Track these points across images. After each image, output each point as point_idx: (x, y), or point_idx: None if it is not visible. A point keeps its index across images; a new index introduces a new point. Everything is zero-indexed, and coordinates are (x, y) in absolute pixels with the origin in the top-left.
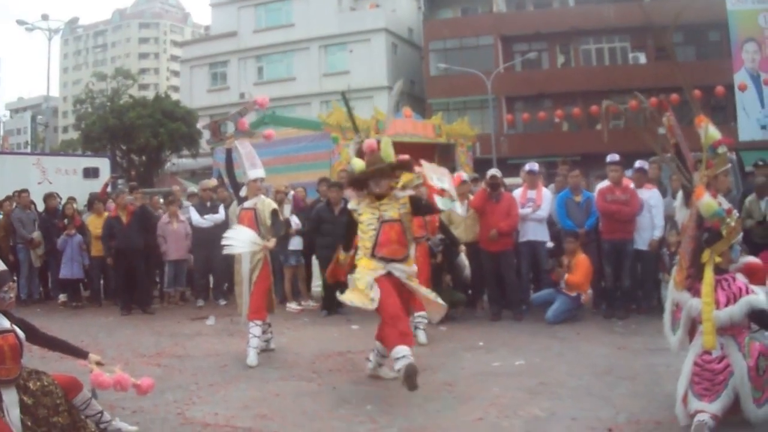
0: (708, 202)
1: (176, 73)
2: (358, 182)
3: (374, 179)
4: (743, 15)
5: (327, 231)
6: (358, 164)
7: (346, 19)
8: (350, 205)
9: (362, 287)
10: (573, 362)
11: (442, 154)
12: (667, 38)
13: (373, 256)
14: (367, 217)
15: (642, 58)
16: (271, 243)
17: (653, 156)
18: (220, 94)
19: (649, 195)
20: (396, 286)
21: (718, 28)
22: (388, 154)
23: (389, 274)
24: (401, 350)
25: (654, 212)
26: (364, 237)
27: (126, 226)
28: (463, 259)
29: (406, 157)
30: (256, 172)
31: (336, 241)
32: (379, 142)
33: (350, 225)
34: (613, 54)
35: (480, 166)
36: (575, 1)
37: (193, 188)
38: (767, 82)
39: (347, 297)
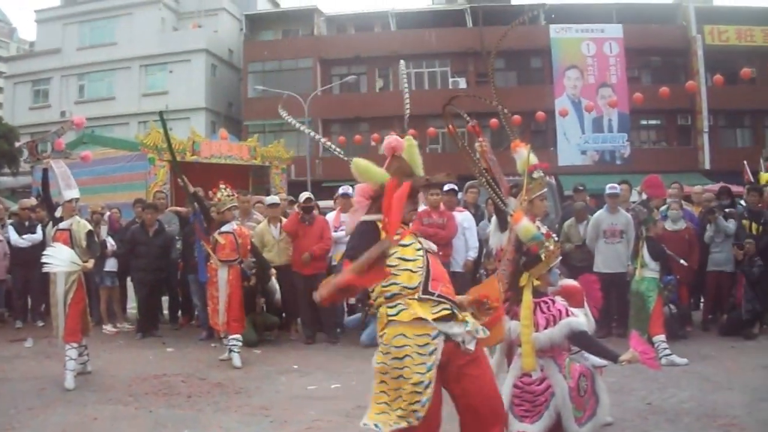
0: (526, 226)
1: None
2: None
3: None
4: (566, 43)
5: (142, 253)
6: (372, 170)
7: (168, 39)
8: (367, 217)
9: (410, 390)
10: None
11: (257, 176)
12: (488, 64)
13: (427, 293)
14: (410, 240)
15: (462, 83)
16: (90, 264)
17: (470, 180)
18: (41, 111)
19: (462, 217)
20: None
21: (541, 55)
22: (417, 162)
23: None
24: None
25: (468, 234)
26: (405, 269)
27: None
28: (274, 282)
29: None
30: (71, 192)
31: (151, 262)
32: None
33: (369, 236)
34: (433, 78)
35: (294, 188)
36: (397, 26)
37: (14, 207)
38: (588, 108)
39: (375, 419)
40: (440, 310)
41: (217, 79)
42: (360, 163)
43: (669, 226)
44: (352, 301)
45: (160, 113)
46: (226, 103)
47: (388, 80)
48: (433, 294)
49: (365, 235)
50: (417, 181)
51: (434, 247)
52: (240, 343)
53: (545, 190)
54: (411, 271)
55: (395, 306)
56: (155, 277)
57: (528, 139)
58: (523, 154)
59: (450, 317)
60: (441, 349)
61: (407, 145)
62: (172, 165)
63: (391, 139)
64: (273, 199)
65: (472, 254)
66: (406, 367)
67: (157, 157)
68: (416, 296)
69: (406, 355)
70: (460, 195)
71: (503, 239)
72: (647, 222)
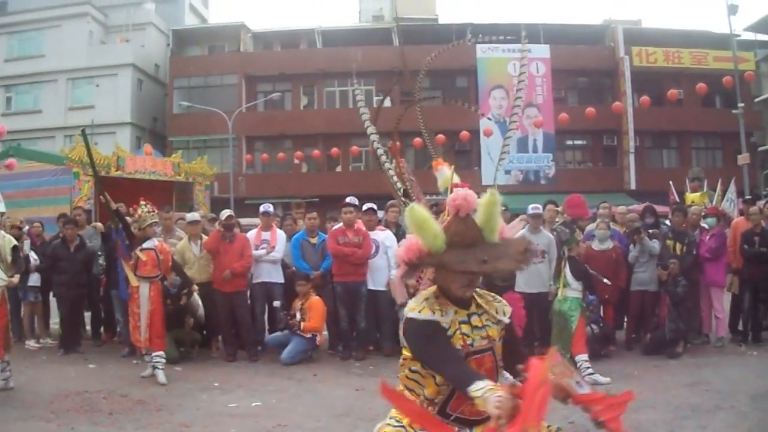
0: None
1: None
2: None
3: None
4: (493, 62)
5: (63, 268)
6: (428, 227)
7: (95, 53)
8: (425, 315)
9: None
10: (310, 404)
11: (181, 193)
12: (415, 84)
13: (443, 413)
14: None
15: (387, 102)
16: (16, 279)
17: (392, 199)
18: None
19: (384, 236)
20: None
21: (467, 74)
22: (492, 226)
23: None
24: None
25: (390, 253)
26: (425, 375)
27: None
28: (197, 298)
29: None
30: None
31: (72, 277)
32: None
33: (436, 339)
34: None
35: (217, 205)
36: (323, 44)
37: None
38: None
39: None
40: None
41: (143, 94)
42: (417, 213)
43: (596, 245)
44: (278, 303)
45: (83, 130)
46: (151, 119)
47: (312, 98)
48: (449, 416)
49: (433, 341)
50: (465, 261)
51: (483, 339)
52: (164, 360)
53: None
54: (425, 382)
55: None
56: (77, 293)
57: (452, 158)
58: (445, 172)
59: None
60: None
61: (484, 203)
62: (95, 182)
63: (460, 194)
64: (193, 216)
65: (395, 273)
66: None
67: (82, 172)
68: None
69: None
70: (381, 214)
71: None
72: (569, 242)
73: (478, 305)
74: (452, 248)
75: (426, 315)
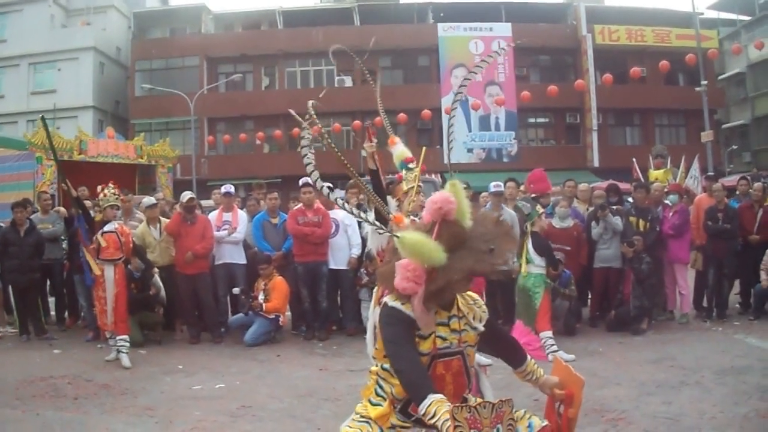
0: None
1: None
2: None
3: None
4: (454, 41)
5: (14, 254)
6: (427, 250)
7: (57, 37)
8: (405, 310)
9: None
10: (274, 385)
11: (143, 175)
12: (363, 64)
13: (402, 412)
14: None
15: (348, 82)
16: None
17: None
18: None
19: (344, 215)
20: None
21: (428, 53)
22: (464, 210)
23: None
24: None
25: (350, 231)
26: (394, 375)
27: None
28: (158, 280)
29: None
30: None
31: (23, 262)
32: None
33: (407, 336)
34: (319, 77)
35: (180, 187)
36: (284, 24)
37: None
38: (475, 106)
39: None
40: None
41: (104, 78)
42: (409, 240)
43: (557, 223)
44: (237, 290)
45: (42, 117)
46: (113, 102)
47: (273, 78)
48: (410, 417)
49: (403, 339)
50: (480, 263)
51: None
52: (128, 344)
53: (420, 183)
54: (388, 379)
55: (375, 405)
56: (29, 278)
57: (414, 137)
58: (398, 148)
59: None
60: None
61: (460, 202)
62: (57, 168)
63: (442, 198)
64: (150, 200)
65: (356, 251)
66: None
67: (45, 156)
68: (394, 407)
69: None
70: (341, 193)
71: (383, 241)
72: (531, 216)
73: (459, 308)
74: (454, 253)
75: (407, 310)
